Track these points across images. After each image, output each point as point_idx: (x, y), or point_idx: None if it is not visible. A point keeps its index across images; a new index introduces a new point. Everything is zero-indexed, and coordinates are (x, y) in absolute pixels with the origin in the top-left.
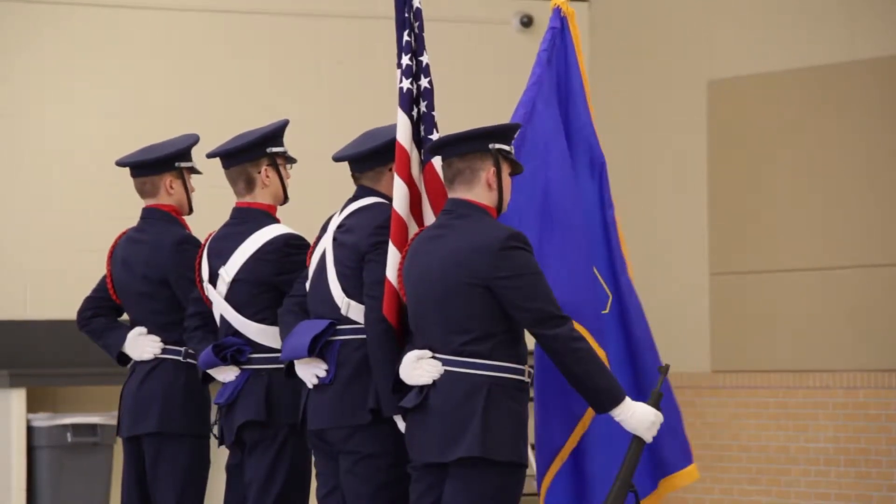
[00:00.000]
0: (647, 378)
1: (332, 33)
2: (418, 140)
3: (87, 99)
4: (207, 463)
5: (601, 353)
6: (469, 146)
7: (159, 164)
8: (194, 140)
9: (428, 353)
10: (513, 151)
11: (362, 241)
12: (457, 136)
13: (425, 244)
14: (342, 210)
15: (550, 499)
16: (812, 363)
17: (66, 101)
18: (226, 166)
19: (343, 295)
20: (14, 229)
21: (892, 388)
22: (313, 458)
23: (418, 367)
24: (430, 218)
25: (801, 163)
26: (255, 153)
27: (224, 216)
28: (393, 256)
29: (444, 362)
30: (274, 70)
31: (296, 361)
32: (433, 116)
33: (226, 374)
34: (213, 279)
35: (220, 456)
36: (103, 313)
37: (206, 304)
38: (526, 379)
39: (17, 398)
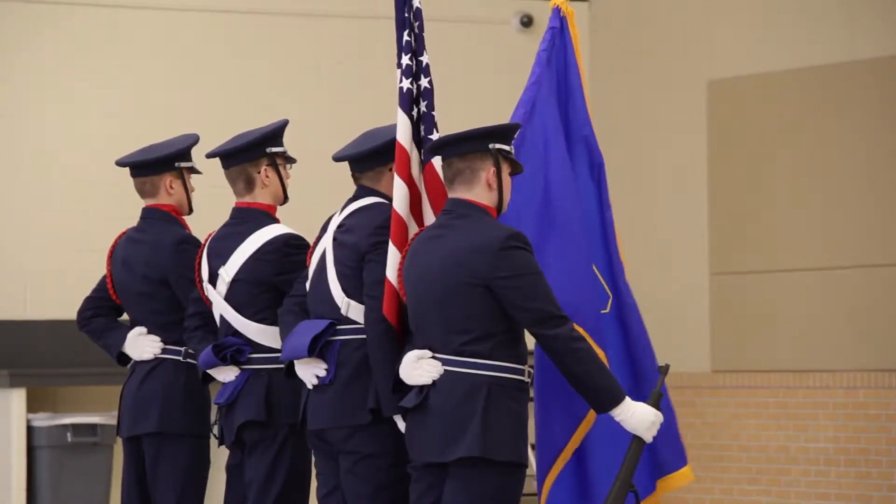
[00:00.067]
0: (644, 379)
1: (332, 33)
2: (418, 140)
3: (87, 99)
4: (207, 463)
5: (600, 353)
6: (469, 146)
7: (159, 164)
8: (194, 140)
9: (428, 353)
10: (513, 151)
11: (362, 240)
12: (457, 136)
13: (425, 244)
14: (342, 210)
15: (553, 499)
16: (812, 363)
17: (66, 101)
18: (225, 166)
19: (343, 295)
20: (14, 229)
21: (892, 388)
22: (313, 458)
23: (418, 367)
24: (430, 218)
25: (801, 163)
26: (255, 153)
27: (224, 216)
28: (393, 256)
29: (444, 362)
30: (274, 70)
31: (296, 361)
32: (433, 116)
33: (226, 374)
34: (213, 279)
35: (220, 456)
36: (103, 313)
37: (206, 304)
38: (526, 379)
39: (17, 398)
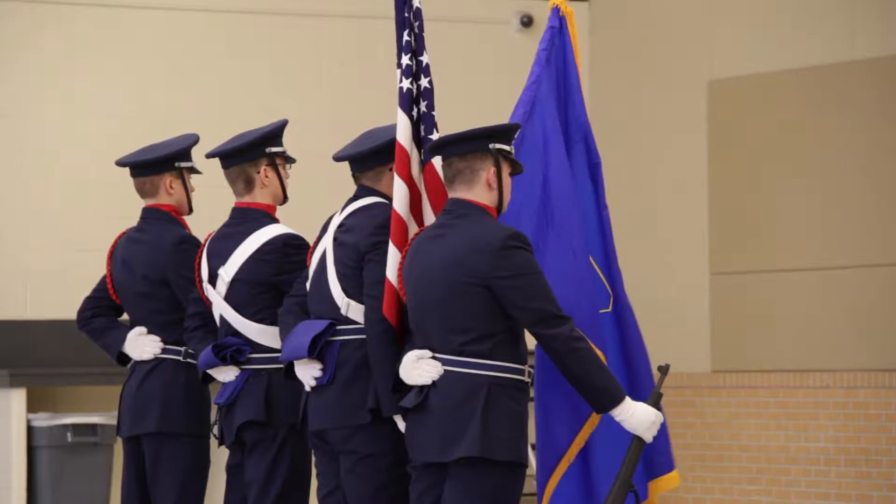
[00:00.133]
0: (639, 379)
1: (332, 33)
2: (418, 140)
3: (87, 99)
4: (207, 463)
5: (599, 353)
6: (469, 146)
7: (159, 164)
8: (194, 140)
9: (428, 353)
10: (513, 151)
11: (362, 240)
12: (457, 136)
13: (425, 244)
14: (342, 210)
15: (558, 500)
16: (812, 363)
17: (66, 101)
18: (225, 166)
19: (343, 295)
20: (14, 229)
21: (892, 388)
22: (313, 458)
23: (418, 367)
24: (430, 218)
25: (801, 163)
26: (254, 153)
27: (224, 216)
28: (393, 256)
29: (444, 362)
30: (274, 70)
31: (295, 362)
32: (433, 116)
33: (226, 374)
34: (213, 279)
35: (220, 456)
36: (103, 313)
37: (206, 304)
38: (526, 379)
39: (17, 398)
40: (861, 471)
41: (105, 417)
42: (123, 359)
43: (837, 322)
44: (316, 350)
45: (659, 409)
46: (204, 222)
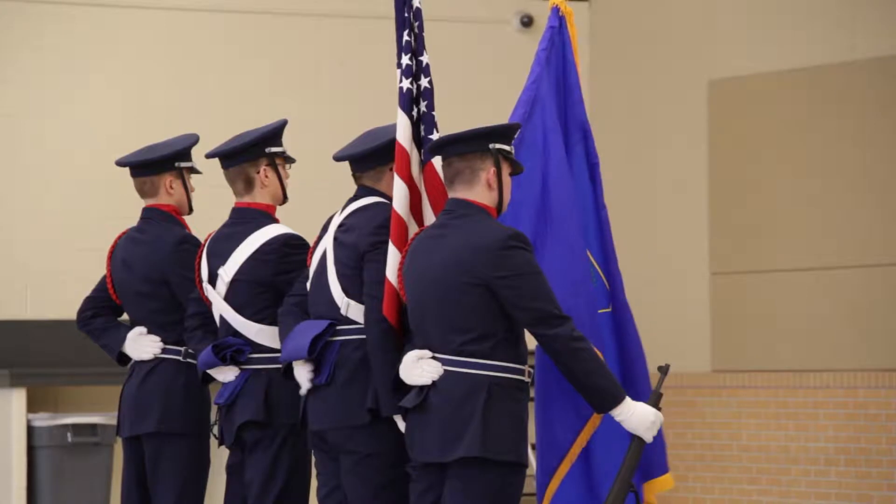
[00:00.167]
0: (636, 379)
1: (332, 33)
2: (418, 140)
3: (87, 99)
4: (207, 463)
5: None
6: (469, 146)
7: (159, 164)
8: (194, 140)
9: (428, 353)
10: (513, 151)
11: (362, 240)
12: (457, 136)
13: (425, 244)
14: (343, 210)
15: (559, 500)
16: (812, 363)
17: (66, 101)
18: (225, 166)
19: (343, 295)
20: (14, 229)
21: (892, 387)
22: (313, 458)
23: (418, 367)
24: (430, 218)
25: (800, 163)
26: (254, 153)
27: (224, 216)
28: (393, 256)
29: (444, 362)
30: (274, 70)
31: (294, 363)
32: (433, 116)
33: (225, 374)
34: (213, 279)
35: (220, 456)
36: (103, 313)
37: (206, 304)
38: (526, 379)
39: (17, 398)
40: (861, 471)
41: (105, 417)
42: (123, 359)
43: (837, 322)
44: (316, 351)
45: (659, 408)
46: (204, 222)
